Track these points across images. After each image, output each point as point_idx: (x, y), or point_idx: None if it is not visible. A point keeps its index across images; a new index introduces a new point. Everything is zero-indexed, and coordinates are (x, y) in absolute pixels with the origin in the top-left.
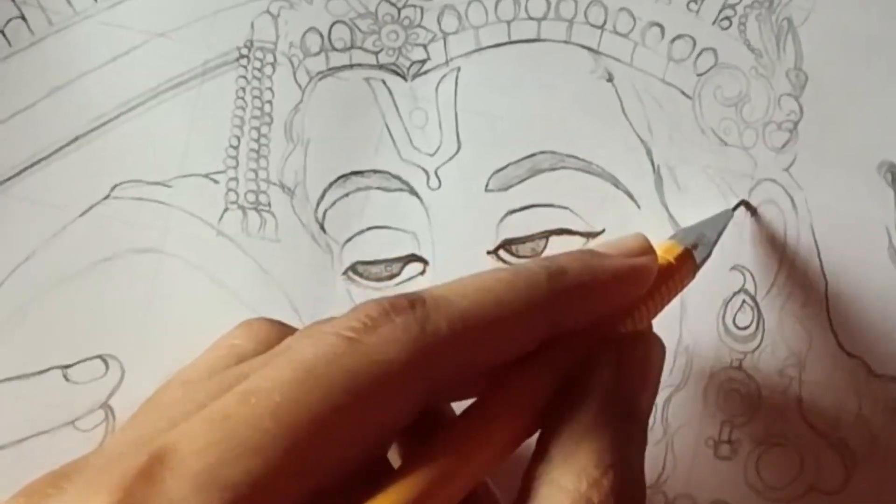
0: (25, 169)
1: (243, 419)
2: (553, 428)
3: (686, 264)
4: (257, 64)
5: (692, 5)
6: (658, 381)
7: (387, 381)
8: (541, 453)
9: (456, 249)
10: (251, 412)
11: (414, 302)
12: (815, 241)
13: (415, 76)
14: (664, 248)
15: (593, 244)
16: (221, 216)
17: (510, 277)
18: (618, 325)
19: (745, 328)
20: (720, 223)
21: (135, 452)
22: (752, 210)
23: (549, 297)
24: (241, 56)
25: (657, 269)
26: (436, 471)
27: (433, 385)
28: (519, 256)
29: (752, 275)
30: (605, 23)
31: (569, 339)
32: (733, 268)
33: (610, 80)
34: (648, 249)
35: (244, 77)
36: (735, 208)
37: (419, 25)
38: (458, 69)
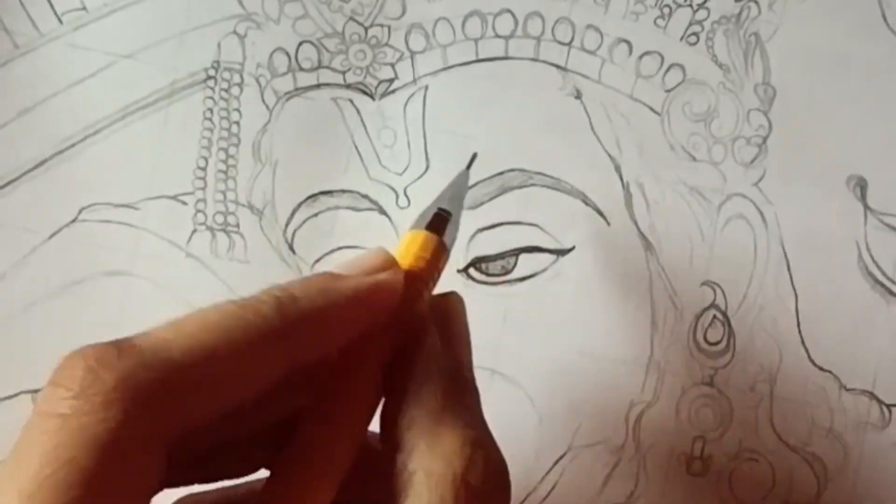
0: None
1: None
2: (402, 416)
3: (436, 251)
4: (224, 85)
5: (660, 21)
6: (468, 336)
7: (113, 448)
8: (398, 445)
9: None
10: None
11: (122, 350)
12: (785, 256)
13: (383, 95)
14: (409, 238)
15: (336, 266)
16: (190, 238)
17: (238, 310)
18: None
19: (716, 344)
20: (461, 188)
21: None
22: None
23: (281, 326)
24: (209, 77)
25: (401, 282)
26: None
27: (171, 432)
28: (489, 274)
29: (722, 290)
30: (572, 40)
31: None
32: (704, 283)
33: (578, 97)
34: (390, 263)
35: (212, 98)
36: (469, 166)
37: (387, 44)
38: (426, 87)
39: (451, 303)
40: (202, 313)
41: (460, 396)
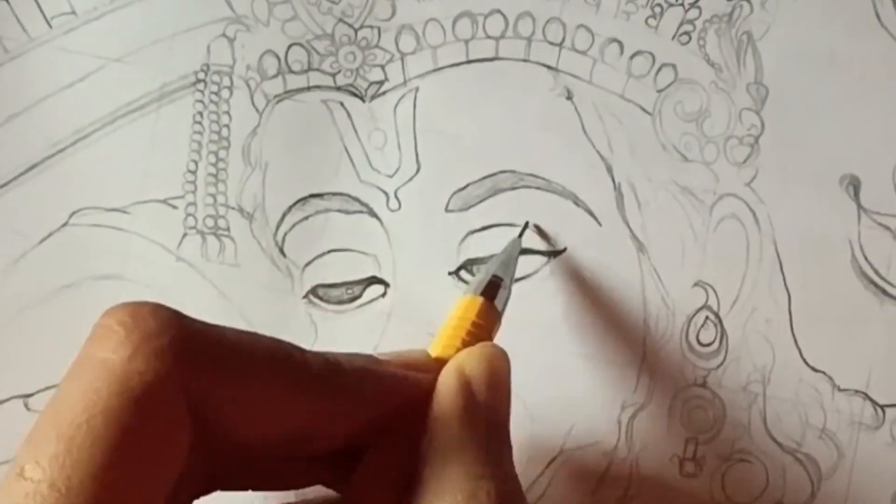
0: None
1: None
2: (418, 462)
3: (489, 315)
4: (214, 88)
5: (651, 21)
6: (508, 388)
7: (148, 401)
8: (412, 486)
9: (417, 271)
10: None
11: (179, 313)
12: (778, 256)
13: (373, 97)
14: (465, 304)
15: (378, 353)
16: (180, 241)
17: (290, 348)
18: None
19: (709, 345)
20: (512, 255)
21: None
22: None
23: (322, 383)
24: (198, 80)
25: (430, 386)
26: None
27: (203, 419)
28: None
29: (714, 291)
30: (563, 40)
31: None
32: (696, 284)
33: (569, 97)
34: (427, 367)
35: (201, 101)
36: (521, 234)
37: (376, 46)
38: (417, 89)
39: (498, 356)
40: (255, 334)
41: (496, 446)
